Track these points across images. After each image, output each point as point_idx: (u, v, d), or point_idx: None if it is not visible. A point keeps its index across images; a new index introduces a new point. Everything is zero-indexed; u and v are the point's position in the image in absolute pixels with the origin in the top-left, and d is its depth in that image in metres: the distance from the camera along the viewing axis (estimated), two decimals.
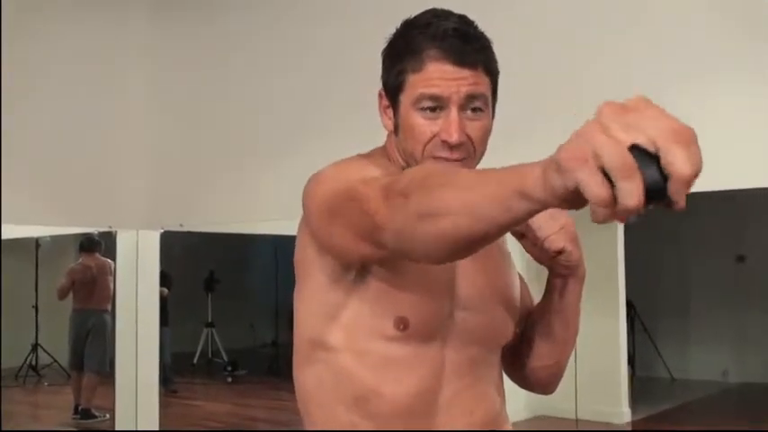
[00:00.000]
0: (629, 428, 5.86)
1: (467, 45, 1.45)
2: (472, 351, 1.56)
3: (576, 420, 4.25)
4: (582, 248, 1.56)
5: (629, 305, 6.33)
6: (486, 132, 1.50)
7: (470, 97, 1.45)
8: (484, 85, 1.48)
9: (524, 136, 3.23)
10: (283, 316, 8.93)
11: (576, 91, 3.28)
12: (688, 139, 0.88)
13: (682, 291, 8.37)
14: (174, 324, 6.17)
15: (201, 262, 8.22)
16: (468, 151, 1.48)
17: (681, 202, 0.88)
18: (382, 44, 1.57)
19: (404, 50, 1.49)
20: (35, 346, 7.41)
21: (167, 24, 4.62)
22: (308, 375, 1.60)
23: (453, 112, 1.45)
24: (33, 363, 7.51)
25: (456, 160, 1.46)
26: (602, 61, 3.27)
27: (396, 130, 1.54)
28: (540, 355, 1.69)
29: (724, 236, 8.09)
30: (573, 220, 1.52)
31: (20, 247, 6.76)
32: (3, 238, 5.21)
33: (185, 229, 4.46)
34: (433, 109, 1.46)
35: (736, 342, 8.12)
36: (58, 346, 7.26)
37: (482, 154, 1.52)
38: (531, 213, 1.01)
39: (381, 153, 1.61)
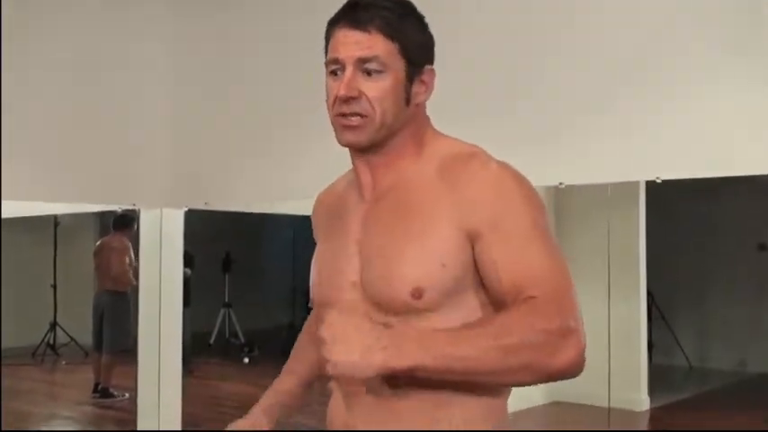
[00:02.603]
0: (648, 416, 5.85)
1: (366, 11, 1.57)
2: (379, 317, 1.55)
3: (609, 409, 4.23)
4: (339, 346, 1.42)
5: (648, 293, 6.30)
6: (387, 93, 1.58)
7: (363, 59, 1.56)
8: (380, 49, 1.56)
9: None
10: (300, 297, 8.94)
11: (574, 80, 3.25)
12: None
13: (701, 279, 8.32)
14: (191, 304, 6.19)
15: (220, 242, 8.23)
16: (365, 109, 1.57)
17: None
18: None
19: (327, 27, 1.63)
20: (53, 325, 7.45)
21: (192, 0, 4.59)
22: None
23: (347, 71, 1.57)
24: (51, 341, 7.55)
25: (352, 114, 1.57)
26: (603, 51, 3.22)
27: None
28: None
29: (746, 224, 8.03)
30: (330, 323, 1.45)
31: (39, 224, 6.78)
32: (21, 215, 5.23)
33: (210, 207, 4.43)
34: (335, 72, 1.59)
35: (755, 332, 8.08)
36: (76, 324, 7.29)
37: (387, 116, 1.59)
38: None
39: None
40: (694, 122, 2.99)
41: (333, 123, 1.62)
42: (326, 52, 1.63)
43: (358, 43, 1.56)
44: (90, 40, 4.29)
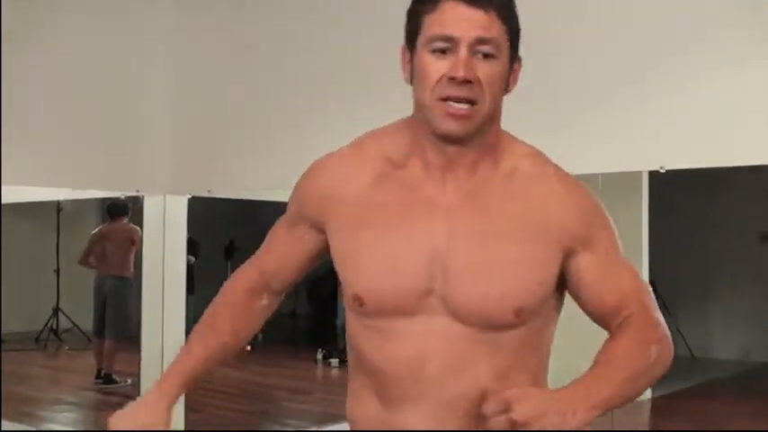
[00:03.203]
0: (650, 405, 5.86)
1: None
2: (460, 329, 1.52)
3: None
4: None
5: (650, 283, 6.31)
6: (497, 79, 1.47)
7: (481, 40, 1.43)
8: (496, 31, 1.45)
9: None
10: (302, 287, 8.97)
11: (591, 68, 3.24)
12: None
13: (704, 269, 8.33)
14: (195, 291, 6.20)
15: (223, 229, 8.23)
16: (477, 95, 1.44)
17: None
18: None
19: (424, 1, 1.48)
20: (56, 311, 7.46)
21: None
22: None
23: (463, 50, 1.43)
24: (54, 327, 7.56)
25: (464, 99, 1.44)
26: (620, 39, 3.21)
27: (411, 79, 1.52)
28: None
29: (748, 215, 8.03)
30: (520, 407, 1.38)
31: (42, 210, 6.79)
32: (25, 201, 5.24)
33: (213, 195, 4.42)
34: (443, 51, 1.44)
35: (758, 321, 8.08)
36: (78, 310, 7.31)
37: (493, 105, 1.48)
38: None
39: (397, 127, 1.61)
40: (697, 113, 2.99)
41: (430, 107, 1.47)
42: (416, 27, 1.49)
43: (475, 22, 1.43)
44: (94, 28, 4.29)
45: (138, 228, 5.44)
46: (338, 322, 9.14)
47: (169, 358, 4.83)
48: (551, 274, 1.55)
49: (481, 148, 1.52)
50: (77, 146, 4.20)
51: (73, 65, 4.19)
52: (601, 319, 1.59)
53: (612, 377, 1.47)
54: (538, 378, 1.60)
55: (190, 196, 4.48)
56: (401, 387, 1.55)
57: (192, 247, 4.73)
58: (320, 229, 1.64)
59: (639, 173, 4.10)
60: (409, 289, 1.52)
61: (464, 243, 1.51)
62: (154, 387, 1.69)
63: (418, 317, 1.52)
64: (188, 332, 4.62)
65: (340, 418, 1.74)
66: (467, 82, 1.43)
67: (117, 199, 5.82)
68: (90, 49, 4.25)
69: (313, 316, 9.10)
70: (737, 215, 8.11)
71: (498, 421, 1.38)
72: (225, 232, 8.54)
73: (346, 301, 1.60)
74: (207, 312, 1.77)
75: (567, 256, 1.54)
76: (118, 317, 6.42)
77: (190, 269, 4.66)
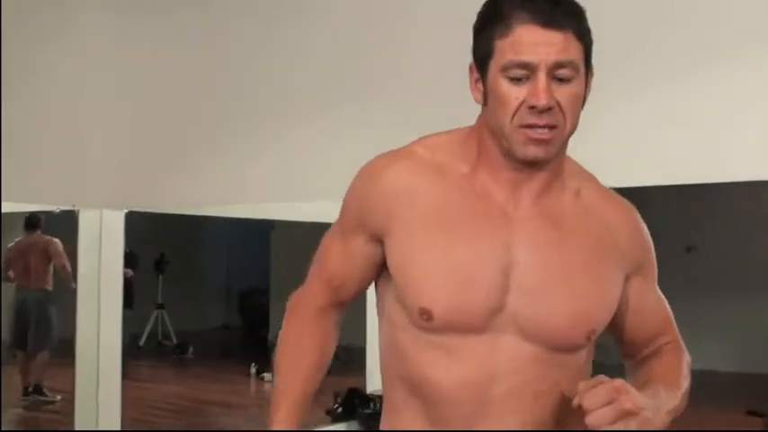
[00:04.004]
0: None
1: (556, 7, 1.40)
2: (528, 348, 1.49)
3: None
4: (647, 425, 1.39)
5: None
6: (576, 101, 1.44)
7: (559, 64, 1.40)
8: (574, 51, 1.41)
9: None
10: (233, 300, 8.90)
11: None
12: None
13: None
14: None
15: (154, 242, 8.14)
16: (558, 119, 1.42)
17: None
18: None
19: (493, 16, 1.44)
20: None
21: None
22: (381, 337, 1.64)
23: (541, 76, 1.39)
24: None
25: (546, 126, 1.41)
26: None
27: (485, 100, 1.48)
28: None
29: (674, 227, 8.19)
30: (628, 396, 1.36)
31: None
32: None
33: (150, 209, 4.37)
34: (520, 78, 1.41)
35: (689, 332, 8.21)
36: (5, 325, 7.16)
37: (573, 126, 1.46)
38: None
39: (463, 138, 1.57)
40: (629, 131, 3.05)
41: (510, 134, 1.43)
42: (488, 51, 1.44)
43: (553, 45, 1.39)
44: (30, 33, 4.22)
45: (54, 239, 5.37)
46: (270, 336, 9.11)
47: (105, 374, 4.76)
48: (618, 297, 1.57)
49: (554, 167, 1.52)
50: (10, 157, 4.12)
51: (6, 74, 4.12)
52: (634, 343, 1.66)
53: (675, 390, 1.54)
54: None
55: (127, 211, 4.42)
56: (462, 409, 1.51)
57: (130, 260, 4.67)
58: (378, 240, 1.57)
59: None
60: (483, 305, 1.48)
61: (538, 260, 1.49)
62: None
63: (485, 334, 1.48)
64: (125, 347, 4.60)
65: None
66: (548, 109, 1.40)
67: (56, 212, 5.76)
68: (24, 57, 4.18)
69: (245, 329, 9.04)
70: (663, 228, 8.24)
71: (604, 413, 1.33)
72: (155, 246, 8.46)
73: (408, 316, 1.53)
74: (287, 342, 1.70)
75: (626, 279, 1.57)
76: (45, 331, 6.31)
77: (127, 282, 4.59)
